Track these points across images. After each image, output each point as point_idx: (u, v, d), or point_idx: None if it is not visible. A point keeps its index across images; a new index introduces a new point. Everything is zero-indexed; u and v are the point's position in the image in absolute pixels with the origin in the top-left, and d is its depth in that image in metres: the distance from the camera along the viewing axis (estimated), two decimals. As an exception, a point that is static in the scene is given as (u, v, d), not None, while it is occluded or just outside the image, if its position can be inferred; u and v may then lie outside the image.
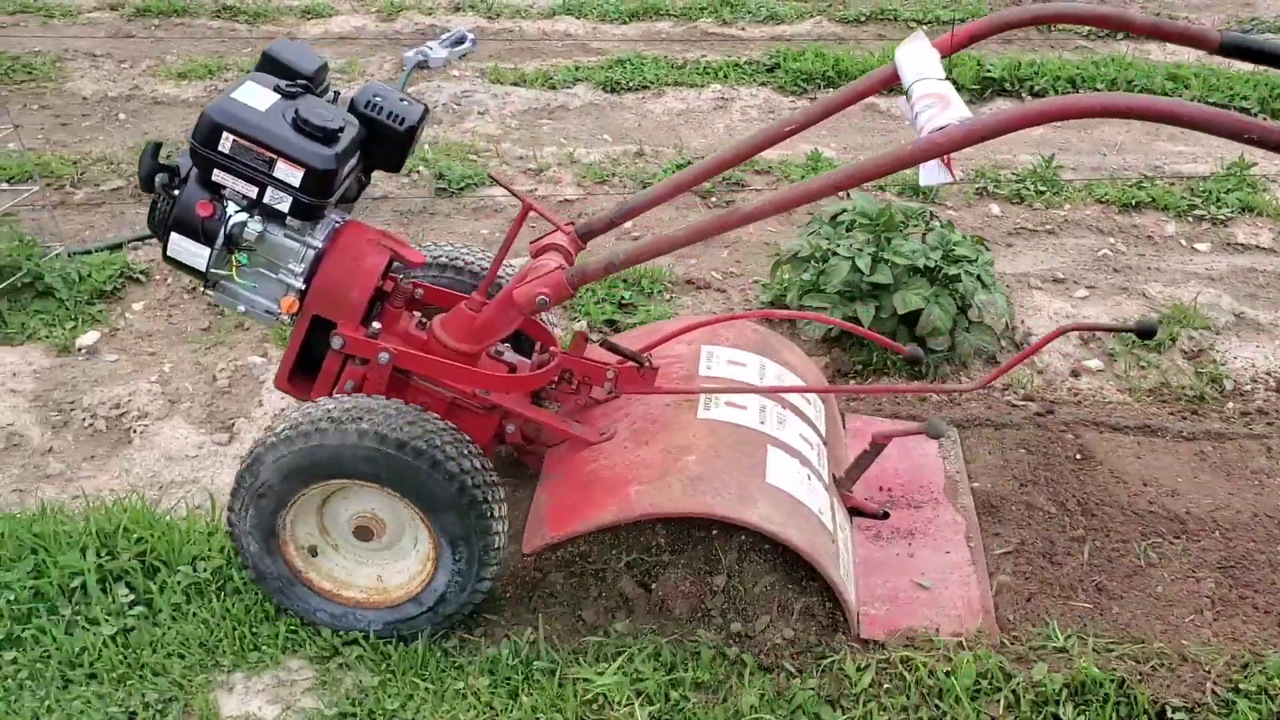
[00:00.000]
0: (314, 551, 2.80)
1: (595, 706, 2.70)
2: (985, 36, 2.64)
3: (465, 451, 2.62)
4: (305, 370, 2.88)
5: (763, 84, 6.55)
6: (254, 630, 2.91)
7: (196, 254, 2.67)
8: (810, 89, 6.51)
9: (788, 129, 2.74)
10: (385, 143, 2.79)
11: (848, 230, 4.05)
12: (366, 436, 2.53)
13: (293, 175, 2.58)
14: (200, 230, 2.64)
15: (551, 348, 2.99)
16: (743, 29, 7.41)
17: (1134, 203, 5.14)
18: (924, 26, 7.40)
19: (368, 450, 2.53)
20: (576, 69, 6.67)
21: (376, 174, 3.02)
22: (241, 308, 2.80)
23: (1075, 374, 3.99)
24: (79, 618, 2.93)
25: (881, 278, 3.80)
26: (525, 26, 7.51)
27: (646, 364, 2.88)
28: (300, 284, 2.73)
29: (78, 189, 5.37)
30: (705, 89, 6.46)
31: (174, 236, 2.67)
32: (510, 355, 3.03)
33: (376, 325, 2.79)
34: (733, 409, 2.93)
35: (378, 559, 2.83)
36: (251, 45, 7.26)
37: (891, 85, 2.62)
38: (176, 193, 2.66)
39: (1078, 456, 3.51)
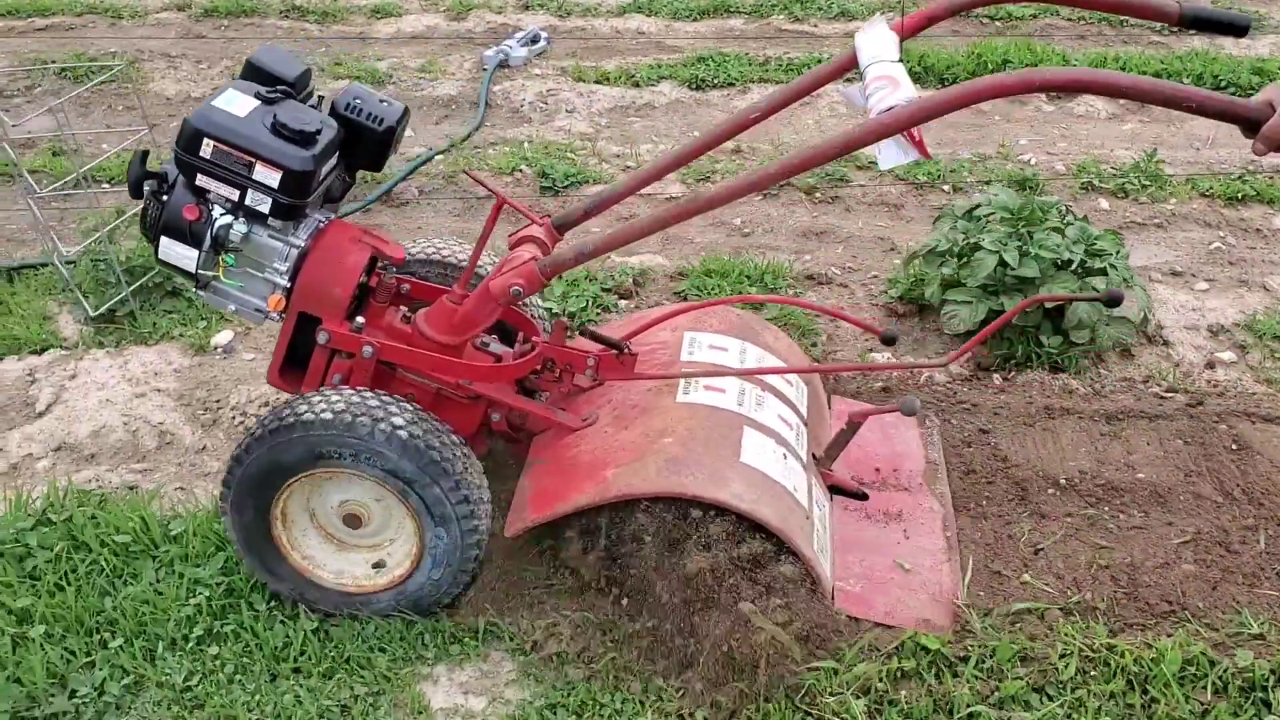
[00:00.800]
0: (296, 527, 2.88)
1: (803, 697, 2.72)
2: (943, 19, 2.70)
3: (469, 463, 2.71)
4: (296, 365, 2.98)
5: (849, 80, 6.54)
6: (453, 622, 2.93)
7: (185, 256, 2.78)
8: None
9: (753, 116, 2.79)
10: (366, 143, 2.88)
11: (985, 224, 4.07)
12: (336, 426, 2.61)
13: (271, 177, 2.68)
14: (188, 233, 2.75)
15: (534, 337, 3.05)
16: (815, 25, 7.42)
17: (1239, 196, 5.15)
18: (997, 22, 7.43)
19: (380, 448, 2.63)
20: (659, 67, 6.68)
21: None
22: (231, 306, 2.90)
23: (1210, 365, 4.01)
24: (276, 613, 2.94)
25: (1028, 271, 3.82)
26: (597, 25, 7.52)
27: (625, 350, 2.93)
28: (285, 282, 2.83)
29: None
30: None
31: (164, 240, 2.78)
32: (496, 346, 3.11)
33: (360, 320, 2.88)
34: (711, 392, 2.99)
35: (360, 546, 2.91)
36: (325, 45, 7.27)
37: (851, 69, 2.69)
38: (165, 198, 2.77)
39: (1234, 447, 3.54)
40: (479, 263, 3.22)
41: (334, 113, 2.86)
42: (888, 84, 2.33)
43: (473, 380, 2.90)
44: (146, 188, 2.80)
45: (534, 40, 6.97)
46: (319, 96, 2.95)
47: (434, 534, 2.72)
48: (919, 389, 3.83)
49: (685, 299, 4.33)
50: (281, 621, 2.95)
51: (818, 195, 5.28)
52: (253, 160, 2.67)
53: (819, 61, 6.69)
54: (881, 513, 3.18)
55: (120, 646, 2.89)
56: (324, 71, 6.85)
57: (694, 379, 3.02)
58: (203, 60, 7.03)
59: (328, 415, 2.63)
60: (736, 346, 3.18)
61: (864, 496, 3.16)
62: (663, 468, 2.73)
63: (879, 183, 5.36)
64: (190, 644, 2.90)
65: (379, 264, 3.02)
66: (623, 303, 4.41)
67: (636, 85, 6.53)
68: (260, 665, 2.86)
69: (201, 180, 2.72)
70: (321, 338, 2.86)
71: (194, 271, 2.81)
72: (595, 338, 2.98)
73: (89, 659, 2.88)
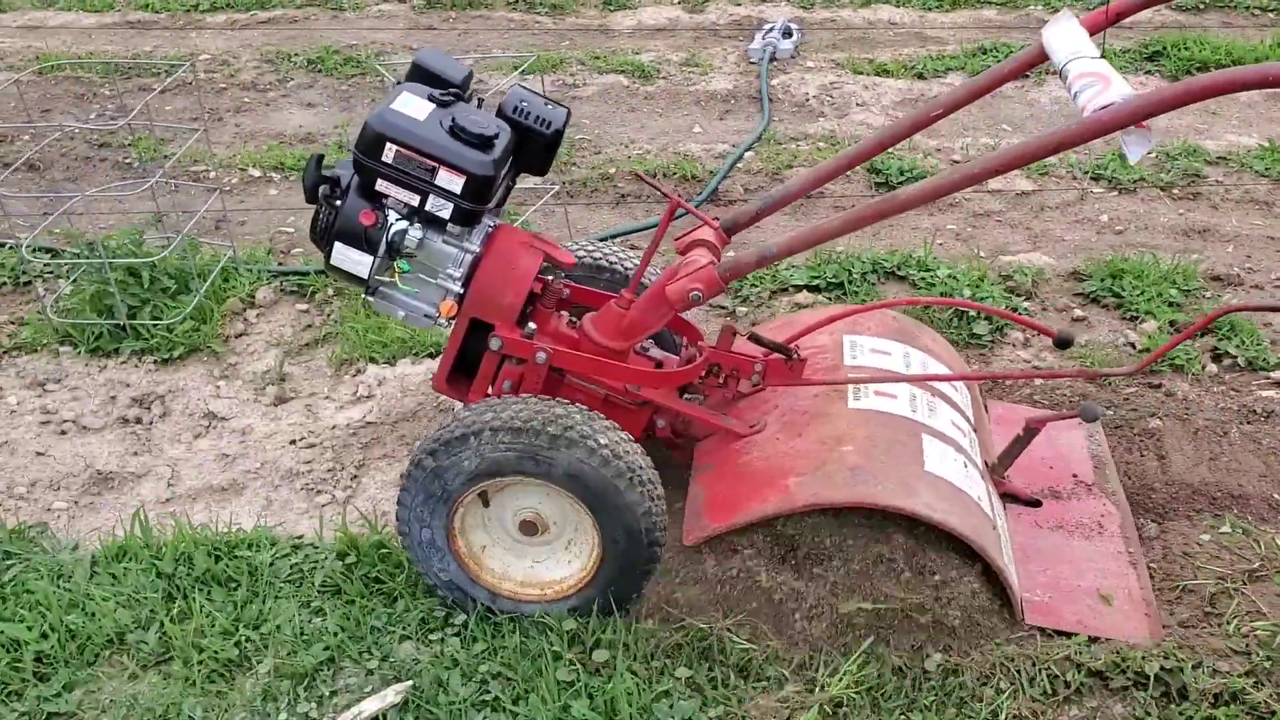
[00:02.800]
0: (486, 555, 2.83)
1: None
2: (1135, 12, 2.64)
3: (600, 427, 2.64)
4: (458, 371, 2.92)
5: (1147, 73, 6.28)
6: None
7: (359, 262, 2.70)
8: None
9: (935, 113, 2.75)
10: (533, 146, 2.82)
11: None
12: (501, 431, 2.56)
13: (454, 182, 2.61)
14: (364, 238, 2.67)
15: (699, 342, 3.01)
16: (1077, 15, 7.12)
17: None
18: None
19: (507, 444, 2.57)
20: (940, 58, 6.45)
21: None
22: (401, 313, 2.83)
23: None
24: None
25: None
26: (845, 16, 7.29)
27: (794, 356, 2.88)
28: (459, 288, 2.78)
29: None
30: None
31: (337, 245, 2.70)
32: (655, 351, 3.06)
33: (532, 326, 2.84)
34: (883, 398, 2.94)
35: (547, 553, 2.84)
36: (568, 38, 7.09)
37: (1035, 67, 2.65)
38: (338, 203, 2.68)
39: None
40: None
41: (501, 115, 2.78)
42: (1097, 80, 2.26)
43: (642, 385, 2.86)
44: (321, 192, 2.70)
45: (787, 34, 6.71)
46: (479, 99, 2.87)
47: (612, 537, 2.66)
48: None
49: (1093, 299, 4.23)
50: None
51: (1175, 191, 4.99)
52: (436, 165, 2.60)
53: (1113, 54, 6.40)
54: (1056, 519, 3.11)
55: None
56: (585, 66, 6.61)
57: (863, 385, 2.97)
58: (449, 51, 6.81)
59: (518, 424, 2.57)
60: (899, 350, 3.12)
61: (1038, 504, 3.12)
62: (849, 476, 2.68)
63: (1239, 180, 5.07)
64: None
65: (546, 269, 2.94)
66: (1025, 302, 4.16)
67: (921, 77, 6.32)
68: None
69: (381, 185, 2.64)
70: (494, 344, 2.79)
71: (367, 278, 2.72)
72: (763, 343, 2.91)
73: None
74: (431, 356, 3.96)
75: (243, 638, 2.85)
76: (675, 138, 5.70)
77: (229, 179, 5.36)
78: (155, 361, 3.96)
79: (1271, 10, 7.12)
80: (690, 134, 5.75)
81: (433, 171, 2.60)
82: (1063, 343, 2.84)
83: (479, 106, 2.82)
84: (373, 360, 3.95)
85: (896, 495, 2.64)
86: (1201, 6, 7.26)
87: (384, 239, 2.67)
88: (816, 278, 4.30)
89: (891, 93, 6.13)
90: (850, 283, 4.28)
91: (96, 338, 4.01)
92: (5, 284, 4.48)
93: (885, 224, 4.82)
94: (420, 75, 2.80)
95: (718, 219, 2.91)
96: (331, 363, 3.96)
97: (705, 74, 6.44)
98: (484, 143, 2.62)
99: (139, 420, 3.73)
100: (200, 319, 4.07)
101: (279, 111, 6.17)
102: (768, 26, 6.84)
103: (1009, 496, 3.09)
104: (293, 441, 3.61)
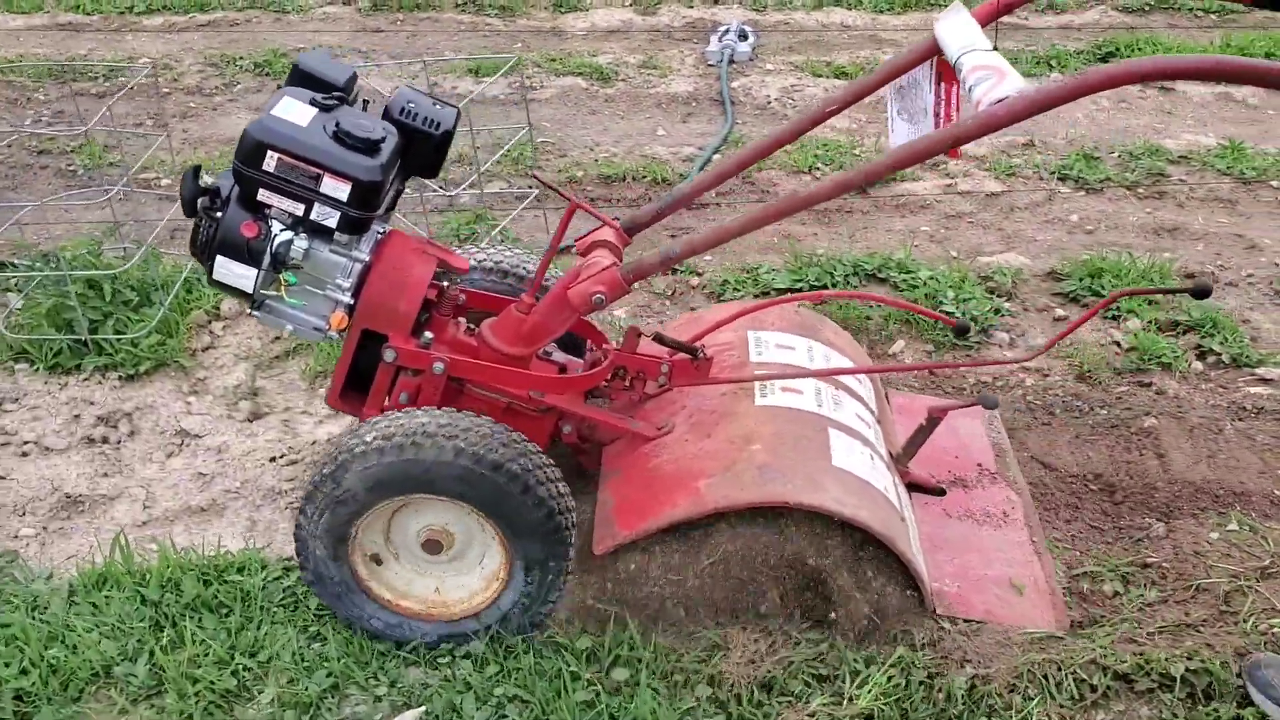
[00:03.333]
0: (378, 560, 2.74)
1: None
2: (1024, 3, 2.62)
3: (553, 476, 2.60)
4: (351, 386, 2.84)
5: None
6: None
7: (244, 276, 2.62)
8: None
9: (829, 110, 2.73)
10: (422, 149, 2.75)
11: None
12: (462, 455, 2.48)
13: (340, 189, 2.53)
14: (246, 251, 2.59)
15: (604, 345, 2.96)
16: (1025, 18, 7.20)
17: None
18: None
19: (461, 469, 2.49)
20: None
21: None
22: (289, 327, 2.75)
23: None
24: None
25: None
26: (799, 19, 7.29)
27: (700, 355, 2.83)
28: (349, 299, 2.69)
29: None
30: (1046, 78, 6.23)
31: (219, 259, 2.61)
32: (559, 355, 3.01)
33: (429, 335, 2.76)
34: (789, 394, 2.91)
35: (441, 572, 2.77)
36: (520, 40, 7.00)
37: (930, 59, 2.61)
38: (219, 215, 2.61)
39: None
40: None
41: (388, 118, 2.72)
42: (992, 74, 2.23)
43: (546, 391, 2.78)
44: (200, 205, 2.62)
45: (743, 36, 6.68)
46: (364, 102, 2.81)
47: (517, 550, 2.60)
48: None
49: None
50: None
51: (1141, 191, 5.04)
52: (320, 172, 2.52)
53: (1072, 54, 6.46)
54: (962, 508, 3.11)
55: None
56: (540, 68, 6.52)
57: (770, 381, 2.94)
58: (400, 55, 6.68)
59: (401, 440, 2.49)
60: (803, 345, 3.10)
61: (942, 492, 3.09)
62: (757, 476, 2.65)
63: (1202, 179, 5.13)
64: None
65: (441, 275, 2.88)
66: (1006, 303, 4.20)
67: (884, 79, 6.27)
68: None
69: (263, 195, 2.56)
70: (389, 355, 2.70)
71: (252, 292, 2.65)
72: (668, 343, 2.86)
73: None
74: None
75: (240, 666, 2.71)
76: (640, 140, 5.65)
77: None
78: (120, 377, 3.83)
79: (1213, 12, 7.26)
80: (654, 136, 5.70)
81: (317, 179, 2.51)
82: (960, 330, 2.87)
83: (364, 109, 2.76)
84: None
85: (805, 492, 2.61)
86: (1147, 8, 7.36)
87: (268, 251, 2.58)
88: (799, 281, 4.26)
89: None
90: (834, 285, 4.24)
91: (56, 354, 3.86)
92: (-54, 300, 4.27)
93: (859, 227, 4.80)
94: (301, 79, 2.71)
95: (618, 219, 2.86)
96: (305, 376, 3.83)
97: (664, 76, 6.39)
98: (370, 147, 2.54)
99: (106, 439, 3.60)
100: (166, 333, 3.91)
101: (227, 116, 6.03)
102: (723, 29, 6.80)
103: (914, 486, 3.07)
104: (272, 459, 3.49)
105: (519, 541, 2.58)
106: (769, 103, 6.04)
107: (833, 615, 2.73)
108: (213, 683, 2.67)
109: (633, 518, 2.70)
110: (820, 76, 6.33)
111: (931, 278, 4.26)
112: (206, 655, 2.73)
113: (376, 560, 2.72)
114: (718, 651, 2.71)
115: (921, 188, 5.11)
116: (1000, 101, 2.13)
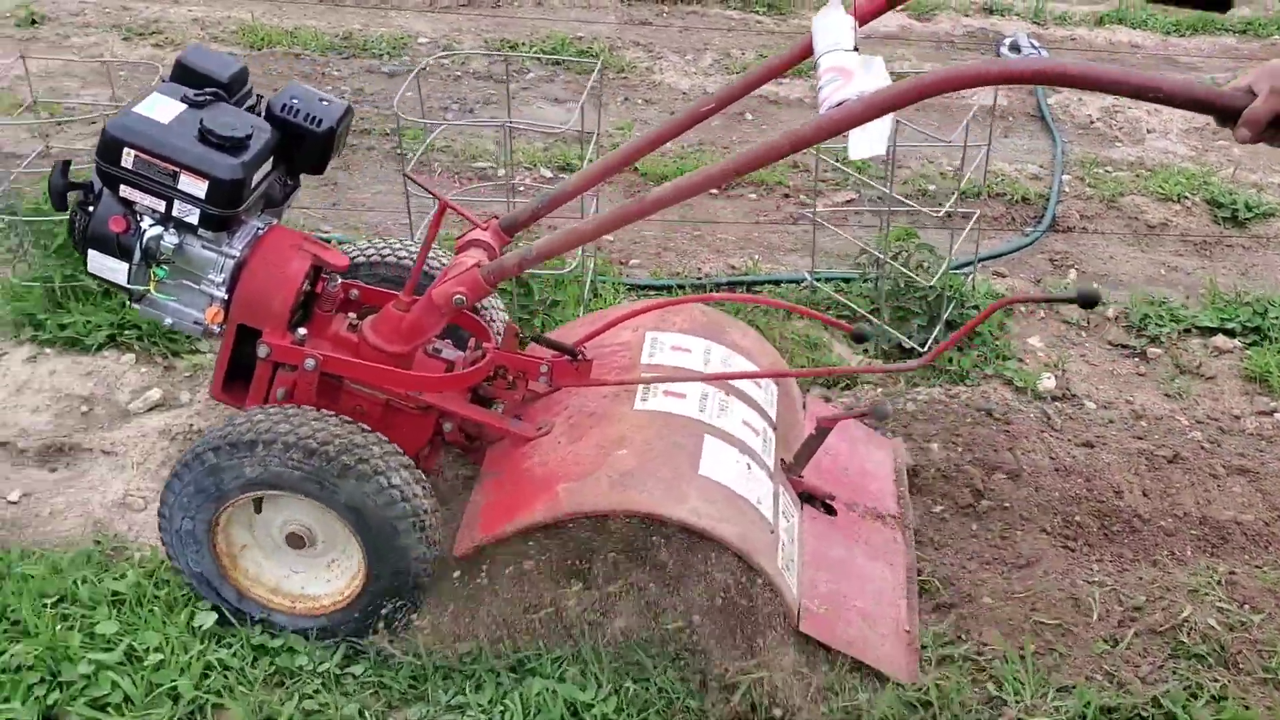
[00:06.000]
0: (243, 556, 2.78)
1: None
2: (902, 2, 2.57)
3: (396, 464, 2.60)
4: (240, 378, 2.86)
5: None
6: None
7: (115, 269, 2.67)
8: None
9: (705, 109, 2.69)
10: (305, 145, 2.77)
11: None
12: (293, 449, 2.52)
13: (197, 187, 2.56)
14: (116, 245, 2.64)
15: (485, 344, 2.92)
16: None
17: None
18: None
19: (296, 462, 2.52)
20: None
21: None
22: (169, 320, 2.78)
23: None
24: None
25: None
26: (1084, 35, 7.02)
27: (579, 356, 2.79)
28: (223, 294, 2.73)
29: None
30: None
31: (92, 253, 2.67)
32: (449, 352, 2.97)
33: (303, 331, 2.77)
34: (671, 398, 2.85)
35: (308, 567, 2.80)
36: (791, 39, 6.70)
37: (806, 57, 2.49)
38: (91, 209, 2.65)
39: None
40: (427, 265, 3.07)
41: (269, 115, 2.74)
42: (839, 76, 2.17)
43: (421, 390, 2.78)
44: (71, 199, 2.69)
45: (1025, 48, 6.45)
46: (257, 97, 2.83)
47: (373, 545, 2.60)
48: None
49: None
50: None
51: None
52: (177, 170, 2.55)
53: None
54: (848, 532, 3.01)
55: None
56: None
57: (653, 385, 2.88)
58: (683, 50, 6.49)
59: (247, 437, 2.53)
60: (700, 347, 3.03)
61: (832, 510, 3.01)
62: (616, 482, 2.62)
63: None
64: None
65: (323, 272, 2.87)
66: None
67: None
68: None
69: (125, 191, 2.61)
70: (262, 351, 2.73)
71: (126, 285, 2.69)
72: (547, 343, 2.83)
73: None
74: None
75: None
76: (970, 152, 5.38)
77: (520, 179, 4.97)
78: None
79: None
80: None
81: (174, 176, 2.54)
82: (858, 337, 2.88)
83: (257, 104, 2.78)
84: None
85: (662, 502, 2.58)
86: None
87: (138, 245, 2.62)
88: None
89: (1178, 119, 5.82)
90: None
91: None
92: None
93: (1250, 264, 4.56)
94: (183, 74, 2.72)
95: (496, 218, 2.83)
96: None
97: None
98: (234, 145, 2.55)
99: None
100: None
101: (527, 105, 5.78)
102: (1008, 40, 6.54)
103: (807, 496, 2.98)
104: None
105: (378, 567, 2.61)
106: (1092, 122, 5.79)
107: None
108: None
109: (494, 520, 2.68)
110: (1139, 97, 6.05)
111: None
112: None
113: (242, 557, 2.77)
114: None
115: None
116: (839, 105, 2.08)
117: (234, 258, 2.70)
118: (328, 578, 2.76)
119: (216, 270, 2.70)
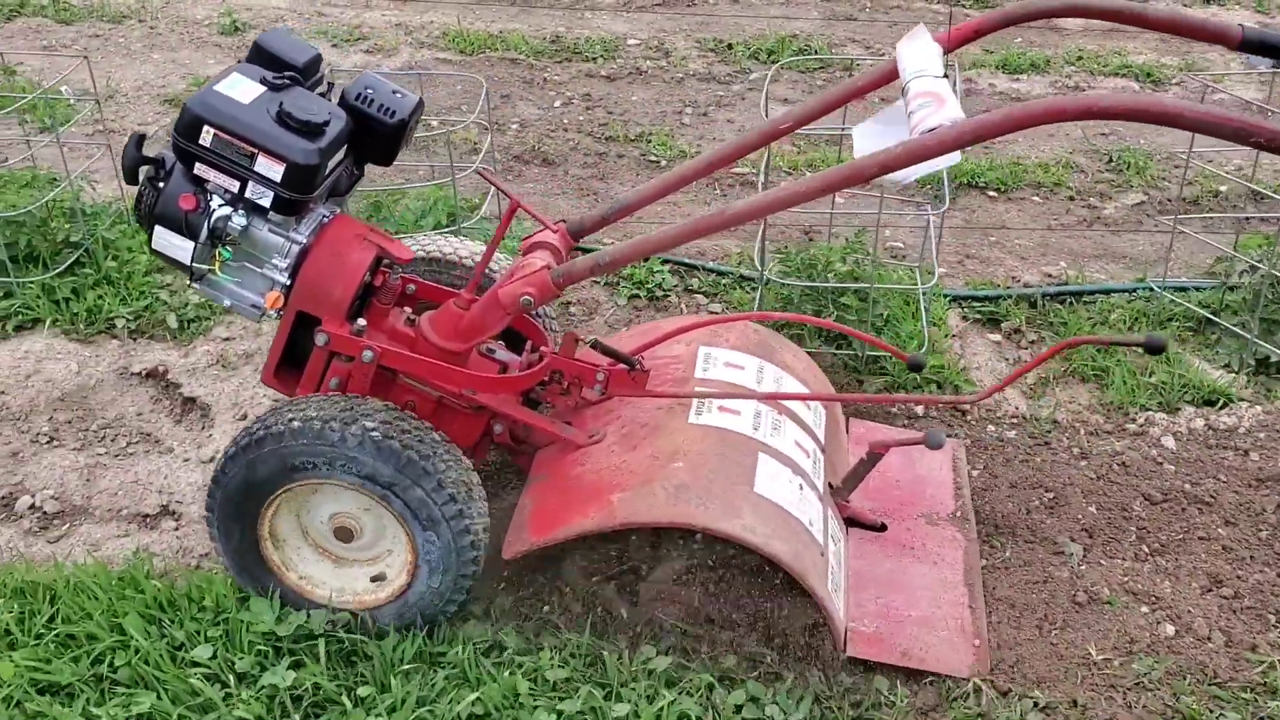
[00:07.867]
0: (288, 546, 2.76)
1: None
2: (990, 31, 2.61)
3: (452, 462, 2.59)
4: (293, 365, 2.84)
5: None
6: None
7: (181, 248, 2.65)
8: None
9: (783, 127, 2.71)
10: (375, 136, 2.76)
11: None
12: (353, 440, 2.50)
13: (274, 170, 2.55)
14: (184, 224, 2.62)
15: (542, 348, 2.94)
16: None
17: None
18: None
19: (353, 453, 2.51)
20: None
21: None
22: (227, 302, 2.77)
23: None
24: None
25: None
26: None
27: (637, 366, 2.79)
28: (285, 279, 2.72)
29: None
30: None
31: (158, 229, 2.66)
32: (502, 353, 2.98)
33: (362, 322, 2.75)
34: (726, 414, 2.86)
35: (357, 560, 2.78)
36: (1017, 35, 6.44)
37: (891, 81, 2.56)
38: (161, 185, 2.64)
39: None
40: (490, 266, 3.07)
41: (344, 103, 2.73)
42: (932, 101, 2.22)
43: (476, 390, 2.77)
44: (142, 173, 2.67)
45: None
46: (329, 84, 2.82)
47: (424, 539, 2.60)
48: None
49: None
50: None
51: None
52: (255, 151, 2.54)
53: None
54: (896, 543, 3.02)
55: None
56: (1073, 66, 5.98)
57: (708, 399, 2.89)
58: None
59: (297, 424, 2.51)
60: (754, 365, 3.05)
61: (882, 528, 3.02)
62: (671, 495, 2.62)
63: None
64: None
65: (384, 263, 2.87)
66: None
67: None
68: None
69: (200, 169, 2.60)
70: (320, 339, 2.72)
71: (189, 264, 2.67)
72: (606, 351, 2.82)
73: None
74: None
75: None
76: (1244, 154, 5.06)
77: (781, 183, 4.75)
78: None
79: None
80: (1251, 154, 5.09)
81: (251, 157, 2.54)
82: (915, 366, 2.91)
83: (329, 91, 2.78)
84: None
85: (717, 517, 2.59)
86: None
87: (206, 225, 2.61)
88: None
89: None
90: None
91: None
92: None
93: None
94: (259, 57, 2.72)
95: (564, 221, 2.84)
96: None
97: (1219, 81, 5.78)
98: (311, 130, 2.55)
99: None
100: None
101: (759, 108, 5.55)
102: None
103: (853, 521, 3.00)
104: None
105: (420, 529, 2.59)
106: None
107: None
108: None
109: (545, 525, 2.69)
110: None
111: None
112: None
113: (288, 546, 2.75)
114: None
115: None
116: (932, 131, 2.12)
117: (300, 243, 2.69)
118: (385, 566, 2.74)
119: (281, 255, 2.69)
